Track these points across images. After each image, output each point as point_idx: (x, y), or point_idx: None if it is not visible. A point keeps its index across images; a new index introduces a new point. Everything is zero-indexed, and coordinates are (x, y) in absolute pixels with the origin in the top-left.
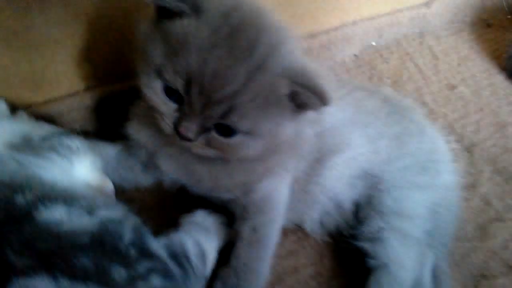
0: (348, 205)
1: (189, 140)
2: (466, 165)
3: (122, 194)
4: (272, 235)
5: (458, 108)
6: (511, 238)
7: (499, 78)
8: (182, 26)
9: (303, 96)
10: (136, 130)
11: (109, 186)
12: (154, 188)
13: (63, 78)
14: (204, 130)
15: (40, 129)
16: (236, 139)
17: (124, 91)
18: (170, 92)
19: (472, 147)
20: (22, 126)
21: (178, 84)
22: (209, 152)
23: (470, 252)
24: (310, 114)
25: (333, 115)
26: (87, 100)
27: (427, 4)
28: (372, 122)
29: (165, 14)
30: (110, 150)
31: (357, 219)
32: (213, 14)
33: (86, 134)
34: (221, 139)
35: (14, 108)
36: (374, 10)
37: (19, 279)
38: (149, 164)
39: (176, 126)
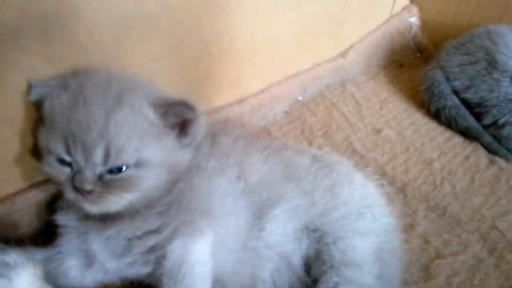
0: (297, 260)
1: (89, 192)
2: (402, 206)
3: None
4: None
5: (386, 151)
6: (453, 273)
7: (418, 116)
8: (50, 105)
9: (171, 112)
10: (64, 219)
11: None
12: None
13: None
14: (99, 178)
15: None
16: (128, 172)
17: None
18: (62, 162)
19: (404, 188)
20: None
21: (60, 149)
22: (111, 197)
23: None
24: (194, 135)
25: (259, 171)
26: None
27: (343, 55)
28: (304, 177)
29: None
30: (47, 254)
31: (310, 276)
32: (73, 86)
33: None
34: (114, 177)
35: None
36: (296, 68)
37: None
38: (85, 257)
39: (74, 185)
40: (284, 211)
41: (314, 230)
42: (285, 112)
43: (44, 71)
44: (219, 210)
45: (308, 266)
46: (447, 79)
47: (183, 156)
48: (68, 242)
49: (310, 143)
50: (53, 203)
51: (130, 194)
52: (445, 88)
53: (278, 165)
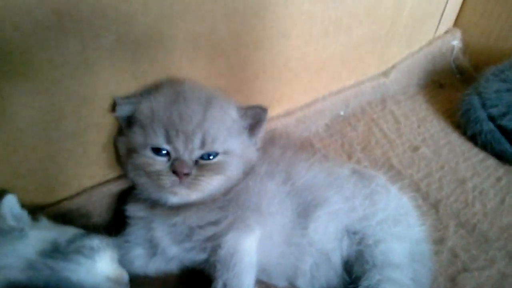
0: (336, 258)
1: (187, 174)
2: (433, 221)
3: (133, 281)
4: None
5: (421, 168)
6: (478, 286)
7: (455, 136)
8: (147, 106)
9: (248, 113)
10: (133, 210)
11: (125, 276)
12: (166, 278)
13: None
14: (194, 163)
15: (64, 233)
16: (219, 158)
17: None
18: (158, 152)
19: (437, 204)
20: (49, 232)
21: (161, 139)
22: (203, 182)
23: None
24: (260, 136)
25: (304, 176)
26: (114, 189)
27: (385, 74)
28: (344, 185)
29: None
30: (116, 242)
31: (351, 275)
32: (167, 90)
33: (99, 229)
34: (208, 161)
35: (33, 211)
36: (340, 85)
37: None
38: (152, 246)
39: (174, 169)
40: (326, 213)
41: (355, 233)
42: (326, 125)
43: (128, 85)
44: (268, 209)
45: (348, 264)
46: (484, 105)
47: (254, 153)
48: (135, 232)
49: (350, 157)
50: (123, 197)
51: (218, 177)
52: (481, 114)
53: (321, 172)
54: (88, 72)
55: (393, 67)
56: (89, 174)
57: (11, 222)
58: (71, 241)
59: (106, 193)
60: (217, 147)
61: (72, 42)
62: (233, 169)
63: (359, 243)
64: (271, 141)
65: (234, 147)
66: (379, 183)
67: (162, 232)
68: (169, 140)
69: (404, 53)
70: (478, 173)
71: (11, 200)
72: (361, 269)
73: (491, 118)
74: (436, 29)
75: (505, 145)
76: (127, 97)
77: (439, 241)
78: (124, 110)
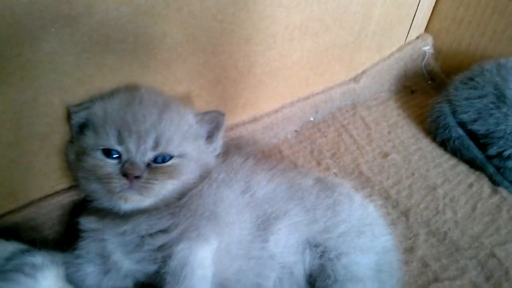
0: (299, 272)
1: (138, 177)
2: (403, 229)
3: None
4: None
5: (391, 175)
6: None
7: (425, 142)
8: (101, 109)
9: (206, 118)
10: (85, 222)
11: None
12: None
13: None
14: (146, 165)
15: (3, 250)
16: (173, 161)
17: None
18: (109, 155)
19: (407, 212)
20: None
21: (113, 140)
22: (155, 185)
23: None
24: (218, 142)
25: (264, 187)
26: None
27: (355, 79)
28: (306, 197)
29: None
30: (67, 259)
31: None
32: (122, 94)
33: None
34: (161, 165)
35: None
36: (308, 91)
37: None
38: (103, 259)
39: (125, 172)
40: (286, 225)
41: (317, 246)
42: (296, 131)
43: (74, 91)
44: (225, 219)
45: (312, 278)
46: (454, 112)
47: (210, 158)
48: (87, 246)
49: (319, 163)
50: (78, 210)
51: (172, 182)
52: (451, 121)
53: (282, 184)
54: (26, 77)
55: (363, 72)
56: (36, 185)
57: None
58: (10, 258)
59: (56, 205)
60: (172, 149)
61: (7, 46)
62: (188, 173)
63: (321, 256)
64: (234, 148)
65: (189, 150)
66: (342, 192)
67: (113, 243)
68: (121, 141)
69: (375, 59)
70: (449, 179)
71: None
72: (323, 284)
73: (462, 124)
74: (407, 35)
75: (474, 151)
76: (81, 104)
77: (409, 250)
78: (79, 117)
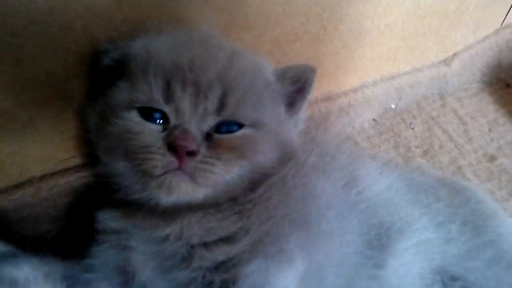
0: None
1: (192, 153)
2: None
3: None
4: None
5: (504, 184)
6: None
7: None
8: (143, 48)
9: (289, 73)
10: (104, 219)
11: None
12: None
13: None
14: (205, 136)
15: None
16: (244, 132)
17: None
18: (150, 116)
19: None
20: None
21: (156, 93)
22: (218, 167)
23: None
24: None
25: (377, 183)
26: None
27: (446, 62)
28: (433, 202)
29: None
30: (71, 271)
31: None
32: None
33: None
34: (227, 137)
35: None
36: (395, 68)
37: None
38: (122, 282)
39: (172, 143)
40: (414, 245)
41: (454, 279)
42: (374, 120)
43: None
44: (319, 226)
45: None
46: None
47: (293, 133)
48: (103, 254)
49: (407, 162)
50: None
51: (240, 163)
52: None
53: (399, 181)
54: None
55: (455, 55)
56: (38, 156)
57: None
58: None
59: (65, 187)
60: (243, 114)
61: None
62: (264, 152)
63: None
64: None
65: (266, 119)
66: (479, 199)
67: (143, 254)
68: (169, 97)
69: (469, 39)
70: None
71: None
72: None
73: None
74: (506, 16)
75: None
76: (113, 41)
77: None
78: (110, 58)
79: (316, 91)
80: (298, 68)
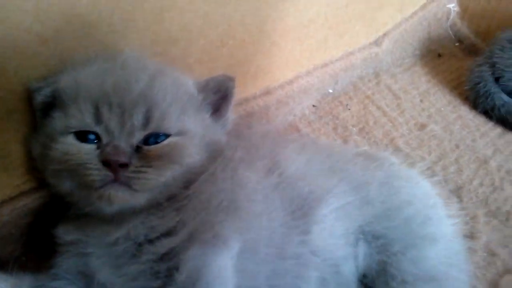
0: (350, 271)
1: (125, 165)
2: (458, 211)
3: None
4: None
5: (433, 149)
6: None
7: (465, 110)
8: (71, 79)
9: (211, 84)
10: (62, 233)
11: None
12: None
13: None
14: (135, 149)
15: None
16: (171, 141)
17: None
18: (84, 138)
19: (459, 190)
20: None
21: (87, 117)
22: (150, 174)
23: None
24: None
25: (295, 161)
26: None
27: (377, 43)
28: (350, 168)
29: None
30: (38, 283)
31: None
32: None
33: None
34: (156, 147)
35: None
36: (327, 56)
37: None
38: (84, 284)
39: (106, 159)
40: (333, 209)
41: (376, 237)
42: (314, 106)
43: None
44: (248, 209)
45: (368, 279)
46: (498, 78)
47: (220, 135)
48: (64, 263)
49: (345, 141)
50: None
51: (171, 167)
52: (493, 87)
53: (317, 155)
54: None
55: (385, 35)
56: None
57: None
58: None
59: (23, 209)
60: (168, 126)
61: None
62: (192, 155)
63: (381, 251)
64: (246, 126)
65: (191, 126)
66: (393, 162)
67: (98, 258)
68: (99, 119)
69: (397, 18)
70: (500, 150)
71: None
72: (385, 287)
73: (506, 90)
74: None
75: None
76: (44, 78)
77: (469, 237)
78: (43, 95)
79: (253, 88)
80: (218, 79)
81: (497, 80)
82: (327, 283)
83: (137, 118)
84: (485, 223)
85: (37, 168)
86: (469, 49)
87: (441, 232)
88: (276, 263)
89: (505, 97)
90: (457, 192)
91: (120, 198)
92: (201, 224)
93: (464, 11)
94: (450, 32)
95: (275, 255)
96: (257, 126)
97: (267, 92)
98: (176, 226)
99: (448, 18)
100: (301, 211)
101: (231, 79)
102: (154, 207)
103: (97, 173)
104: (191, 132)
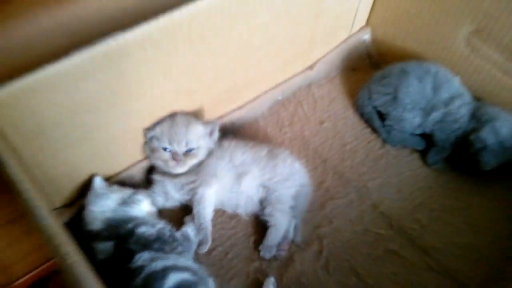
0: (256, 199)
1: (179, 159)
2: (321, 171)
3: (160, 213)
4: (205, 213)
5: (322, 137)
6: (336, 207)
7: (351, 113)
8: (159, 130)
9: (208, 126)
10: (156, 177)
11: (155, 210)
12: (174, 209)
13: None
14: (183, 154)
15: (126, 193)
16: (194, 151)
17: None
18: (164, 150)
19: (325, 160)
20: (119, 193)
21: (166, 143)
22: (187, 162)
23: (312, 217)
24: (215, 136)
25: (239, 157)
26: (142, 167)
27: (310, 68)
28: (261, 161)
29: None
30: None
31: (262, 206)
32: (167, 120)
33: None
34: (189, 153)
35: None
36: (276, 80)
37: (137, 254)
38: (165, 194)
39: (173, 157)
40: (250, 177)
41: (264, 187)
42: (269, 107)
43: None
44: (220, 175)
45: (261, 201)
46: (370, 97)
47: (212, 144)
48: (157, 188)
49: (280, 130)
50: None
51: (194, 159)
52: (367, 102)
53: (250, 155)
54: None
55: (316, 62)
56: (129, 157)
57: (101, 190)
58: (129, 197)
59: (141, 168)
60: (193, 145)
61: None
62: (201, 155)
63: (266, 192)
64: (229, 125)
65: (201, 144)
66: (281, 157)
67: (170, 187)
68: (170, 143)
69: (325, 50)
70: (357, 138)
71: (98, 179)
72: (265, 203)
73: (374, 106)
74: (351, 29)
75: (376, 122)
76: (148, 128)
77: (320, 183)
78: (149, 134)
79: (231, 106)
80: (211, 124)
81: (369, 98)
82: (247, 203)
83: (183, 144)
84: (331, 177)
85: (148, 156)
86: (375, 65)
87: (294, 184)
88: (228, 194)
89: (370, 108)
90: (324, 161)
91: (177, 169)
92: (203, 179)
93: (374, 40)
94: (365, 50)
95: (228, 190)
96: (227, 139)
97: (239, 108)
98: (195, 179)
99: (364, 45)
100: (238, 178)
101: (216, 124)
102: (187, 172)
103: (170, 162)
104: (201, 146)
